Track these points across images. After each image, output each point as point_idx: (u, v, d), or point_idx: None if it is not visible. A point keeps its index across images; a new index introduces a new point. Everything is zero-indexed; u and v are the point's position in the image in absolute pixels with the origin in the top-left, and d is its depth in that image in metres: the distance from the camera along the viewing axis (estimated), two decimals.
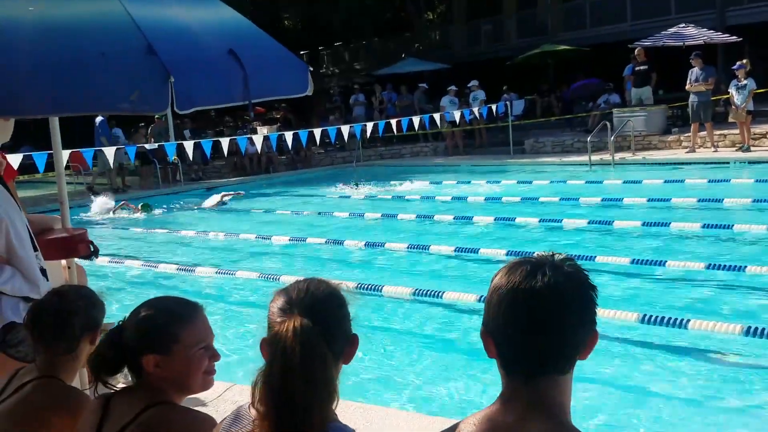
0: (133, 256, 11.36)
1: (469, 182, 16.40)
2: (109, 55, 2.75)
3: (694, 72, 16.81)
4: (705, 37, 19.80)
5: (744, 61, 16.34)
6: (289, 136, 16.80)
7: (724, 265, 7.62)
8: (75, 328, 2.51)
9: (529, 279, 1.54)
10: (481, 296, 6.86)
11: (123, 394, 2.16)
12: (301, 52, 31.74)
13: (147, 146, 18.80)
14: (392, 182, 17.43)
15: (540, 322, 1.52)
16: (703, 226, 9.60)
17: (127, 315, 2.18)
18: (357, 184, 17.39)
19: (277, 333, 1.64)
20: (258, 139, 17.33)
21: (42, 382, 2.46)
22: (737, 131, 16.78)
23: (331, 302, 1.76)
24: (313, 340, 1.62)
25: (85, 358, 2.53)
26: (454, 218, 11.93)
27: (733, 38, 19.97)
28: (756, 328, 5.67)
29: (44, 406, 2.39)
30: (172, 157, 18.87)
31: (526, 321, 1.52)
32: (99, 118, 20.30)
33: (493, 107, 20.32)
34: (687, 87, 16.85)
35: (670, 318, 6.06)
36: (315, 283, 1.79)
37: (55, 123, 4.09)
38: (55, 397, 2.40)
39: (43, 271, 3.39)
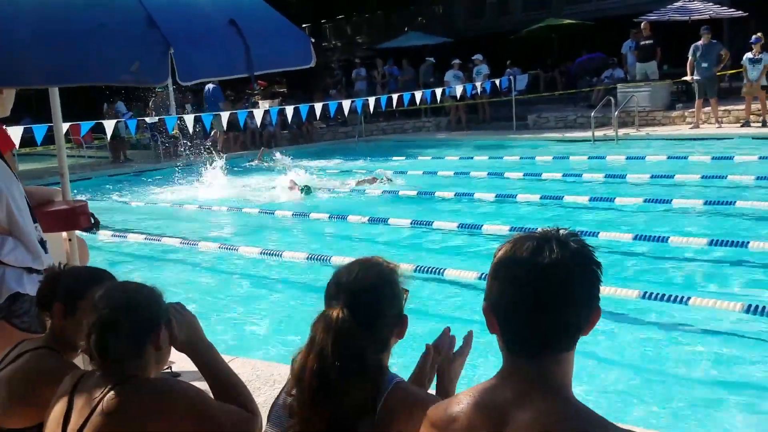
0: (135, 229, 11.37)
1: (471, 158, 16.34)
2: (109, 25, 2.72)
3: (700, 47, 16.66)
4: (711, 12, 19.63)
5: (759, 34, 16.17)
6: (289, 110, 16.73)
7: (727, 242, 7.59)
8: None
9: (536, 255, 1.51)
10: (482, 273, 6.86)
11: (90, 376, 2.17)
12: (303, 26, 31.51)
13: (147, 120, 18.74)
14: (394, 157, 17.37)
15: (545, 299, 1.49)
16: (706, 203, 9.57)
17: (107, 305, 2.15)
18: (264, 160, 17.92)
19: (316, 322, 1.90)
20: (258, 114, 17.26)
21: (39, 353, 2.47)
22: (742, 107, 16.67)
23: (376, 289, 1.96)
24: (346, 331, 1.84)
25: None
26: (455, 194, 11.91)
27: (739, 13, 19.79)
28: (757, 306, 5.66)
29: (38, 375, 2.40)
30: (172, 130, 18.82)
31: (532, 299, 1.50)
32: (210, 85, 20.92)
33: (497, 82, 20.20)
34: (720, 72, 16.50)
35: (671, 295, 6.05)
36: (365, 268, 2.00)
37: (55, 95, 4.06)
38: (50, 369, 2.40)
39: (43, 243, 3.39)
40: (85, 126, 14.63)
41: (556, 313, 1.49)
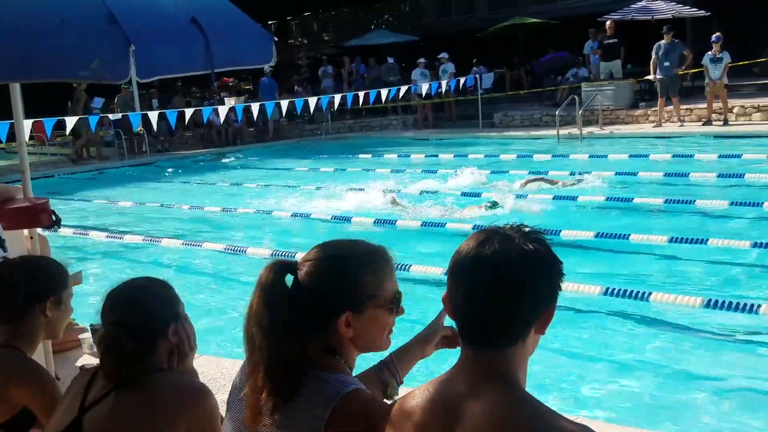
0: (98, 226, 11.24)
1: (436, 156, 16.41)
2: (69, 21, 2.70)
3: (662, 46, 16.90)
4: (673, 11, 19.92)
5: (718, 33, 16.42)
6: (255, 107, 16.64)
7: (687, 239, 7.73)
8: (16, 298, 2.47)
9: (478, 249, 1.52)
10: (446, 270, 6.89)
11: (102, 375, 2.16)
12: (269, 22, 31.34)
13: (111, 116, 18.53)
14: (361, 155, 17.38)
15: (479, 290, 1.50)
16: (666, 201, 9.73)
17: (110, 312, 2.13)
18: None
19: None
20: (222, 111, 17.16)
21: (5, 351, 2.44)
22: (704, 106, 16.94)
23: (326, 264, 1.82)
24: (275, 287, 1.75)
25: (43, 329, 2.53)
26: (421, 192, 11.94)
27: (702, 12, 20.11)
28: (717, 301, 5.79)
29: (5, 377, 2.38)
30: (137, 127, 18.60)
31: (468, 289, 1.52)
32: (264, 78, 22.50)
33: (462, 80, 20.31)
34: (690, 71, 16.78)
35: (632, 291, 6.16)
36: (341, 244, 1.89)
37: (16, 91, 4.01)
38: (13, 367, 2.39)
39: (1, 241, 3.34)
40: (48, 123, 14.35)
41: (494, 306, 1.49)
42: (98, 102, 21.90)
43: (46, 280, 2.54)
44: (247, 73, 29.24)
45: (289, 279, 1.79)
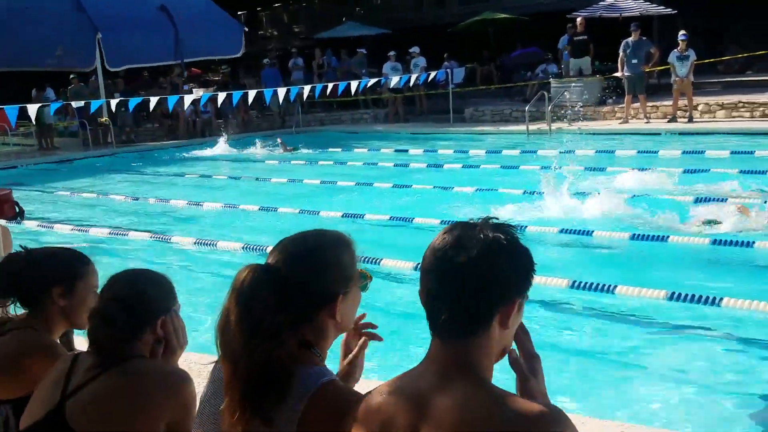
0: (63, 219, 11.08)
1: (407, 150, 16.42)
2: (36, 9, 2.65)
3: (630, 44, 17.05)
4: (641, 9, 20.13)
5: (683, 31, 16.60)
6: (221, 97, 16.48)
7: (649, 236, 7.83)
8: (25, 285, 2.54)
9: (441, 236, 1.55)
10: (417, 264, 6.91)
11: (86, 358, 2.19)
12: (239, 13, 31.06)
13: (74, 104, 18.23)
14: (331, 148, 17.33)
15: (437, 278, 1.53)
16: (631, 196, 9.82)
17: (112, 296, 2.19)
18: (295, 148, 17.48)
19: (236, 275, 1.77)
20: (187, 101, 16.98)
21: (20, 332, 2.51)
22: (669, 103, 17.13)
23: (310, 258, 1.81)
24: (257, 286, 1.71)
25: (60, 316, 2.56)
26: (393, 186, 11.93)
27: (668, 10, 20.33)
28: (679, 294, 5.89)
29: (23, 352, 2.44)
30: (94, 113, 18.32)
31: (432, 279, 1.54)
32: (267, 69, 22.56)
33: (432, 74, 20.31)
34: (654, 67, 16.94)
35: (598, 284, 6.23)
36: (315, 233, 1.89)
37: None
38: (29, 344, 2.45)
39: None
40: (11, 112, 14.08)
41: (449, 293, 1.51)
42: (51, 93, 21.59)
43: (53, 269, 2.55)
44: (216, 63, 28.93)
45: (269, 279, 1.75)
